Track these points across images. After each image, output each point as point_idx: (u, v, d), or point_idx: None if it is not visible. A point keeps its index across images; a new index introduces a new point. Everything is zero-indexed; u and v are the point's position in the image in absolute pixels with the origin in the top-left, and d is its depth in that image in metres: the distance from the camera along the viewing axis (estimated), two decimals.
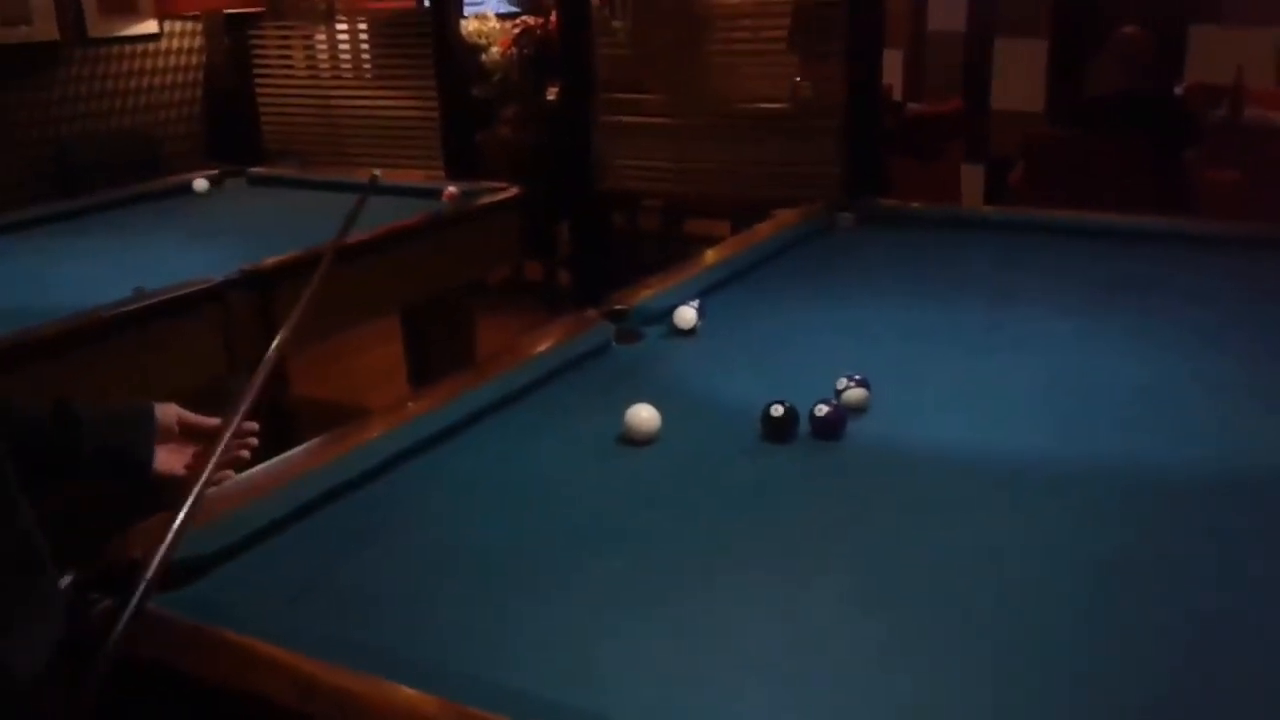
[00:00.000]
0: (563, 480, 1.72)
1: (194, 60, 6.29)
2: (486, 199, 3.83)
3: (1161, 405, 1.93)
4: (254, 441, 1.59)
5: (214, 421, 1.53)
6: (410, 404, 1.93)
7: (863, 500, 1.63)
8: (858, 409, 1.87)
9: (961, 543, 1.50)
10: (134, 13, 5.93)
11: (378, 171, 2.32)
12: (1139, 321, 2.34)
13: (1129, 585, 1.39)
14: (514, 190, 3.89)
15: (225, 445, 1.44)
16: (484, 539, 1.54)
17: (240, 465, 1.57)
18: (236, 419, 1.48)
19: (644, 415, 1.80)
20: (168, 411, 1.55)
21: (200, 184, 4.17)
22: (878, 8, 4.75)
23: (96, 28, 5.81)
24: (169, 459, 1.53)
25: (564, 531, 1.56)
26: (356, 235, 3.28)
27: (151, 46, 6.09)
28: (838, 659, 1.25)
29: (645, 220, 6.29)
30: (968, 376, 2.08)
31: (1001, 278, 2.71)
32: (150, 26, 6.06)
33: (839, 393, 1.88)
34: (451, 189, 3.83)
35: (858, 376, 1.90)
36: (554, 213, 5.67)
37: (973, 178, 6.23)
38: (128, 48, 5.98)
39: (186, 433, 1.56)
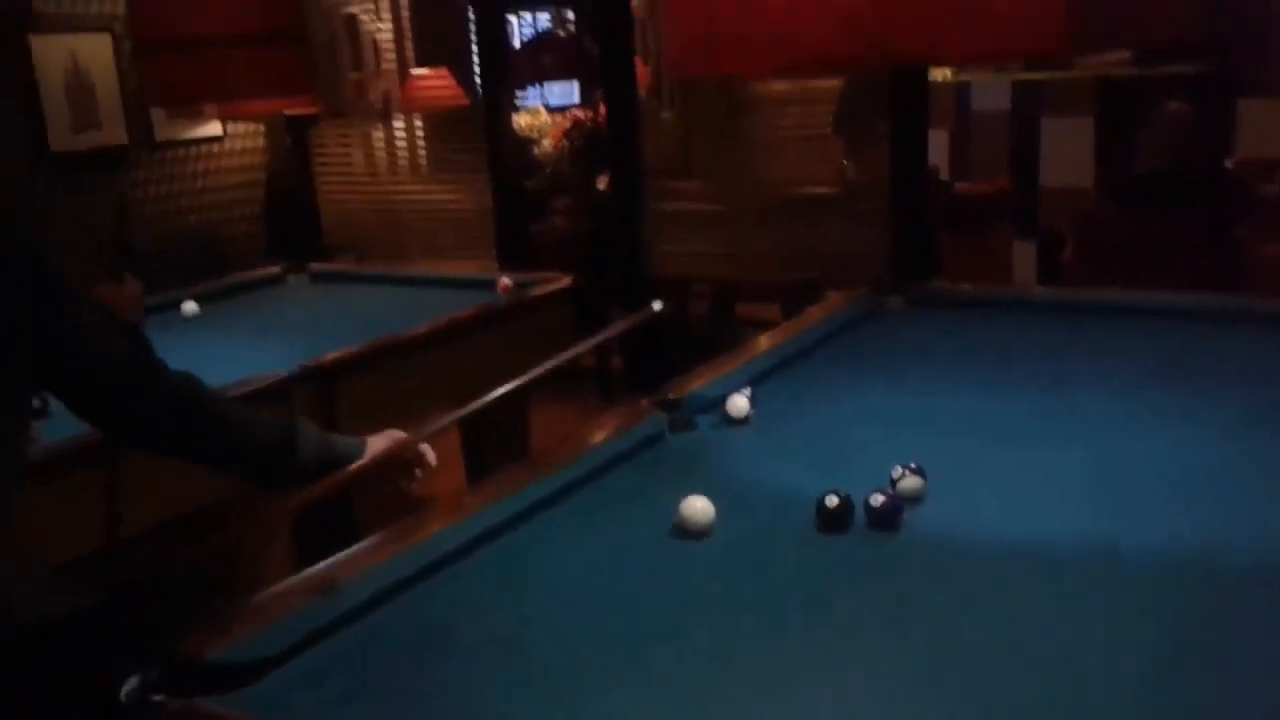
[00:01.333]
0: (618, 574, 1.73)
1: (256, 160, 6.50)
2: (540, 290, 3.90)
3: (1216, 491, 1.90)
4: (431, 462, 1.94)
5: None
6: (467, 498, 1.97)
7: (917, 594, 1.63)
8: (914, 498, 1.87)
9: (1017, 637, 1.48)
10: (199, 116, 6.15)
11: (658, 304, 2.53)
12: (1192, 403, 2.31)
13: (1185, 677, 1.37)
14: (566, 280, 3.96)
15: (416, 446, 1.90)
16: (541, 633, 1.56)
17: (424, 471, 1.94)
18: (433, 428, 1.92)
19: (698, 507, 1.81)
20: (377, 441, 1.91)
21: (189, 307, 4.00)
22: (923, 90, 4.79)
23: (163, 131, 6.03)
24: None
25: (620, 625, 1.57)
26: (418, 329, 3.39)
27: (215, 148, 6.31)
28: None
29: (696, 305, 6.33)
30: (1021, 465, 2.07)
31: (1052, 361, 2.69)
32: (214, 129, 6.28)
33: (894, 481, 1.88)
34: (506, 280, 3.90)
35: (913, 465, 1.89)
36: (607, 301, 5.74)
37: (1025, 254, 6.21)
38: (193, 150, 6.20)
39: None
